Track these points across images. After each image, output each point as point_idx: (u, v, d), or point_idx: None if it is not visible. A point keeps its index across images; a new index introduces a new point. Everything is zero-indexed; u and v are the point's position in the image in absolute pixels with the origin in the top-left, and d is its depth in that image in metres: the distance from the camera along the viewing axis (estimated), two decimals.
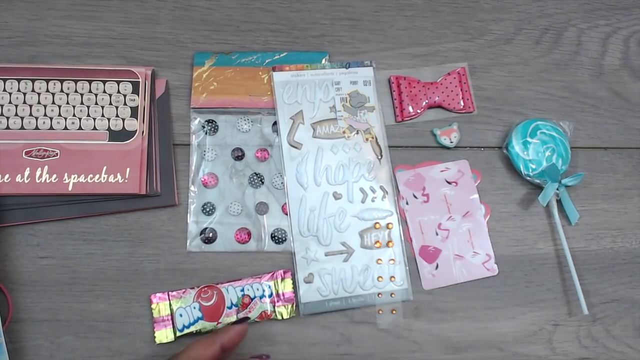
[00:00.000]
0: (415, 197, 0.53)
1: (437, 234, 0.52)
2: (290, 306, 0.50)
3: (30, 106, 0.52)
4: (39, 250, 0.50)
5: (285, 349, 0.49)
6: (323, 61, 0.55)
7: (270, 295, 0.50)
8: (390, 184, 0.53)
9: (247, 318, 0.47)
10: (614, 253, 0.53)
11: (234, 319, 0.48)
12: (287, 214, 0.52)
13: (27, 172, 0.50)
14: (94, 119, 0.52)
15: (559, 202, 0.53)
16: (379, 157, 0.53)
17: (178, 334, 0.48)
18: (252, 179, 0.53)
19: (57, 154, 0.51)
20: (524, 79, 0.57)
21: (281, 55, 0.55)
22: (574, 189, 0.54)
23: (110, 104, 0.52)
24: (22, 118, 0.52)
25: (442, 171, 0.54)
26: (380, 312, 0.50)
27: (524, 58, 0.58)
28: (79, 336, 0.49)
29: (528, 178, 0.53)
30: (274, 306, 0.49)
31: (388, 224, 0.52)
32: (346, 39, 0.57)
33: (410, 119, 0.55)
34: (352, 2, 0.58)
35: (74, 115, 0.52)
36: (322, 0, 0.58)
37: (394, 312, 0.50)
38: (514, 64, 0.57)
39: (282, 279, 0.50)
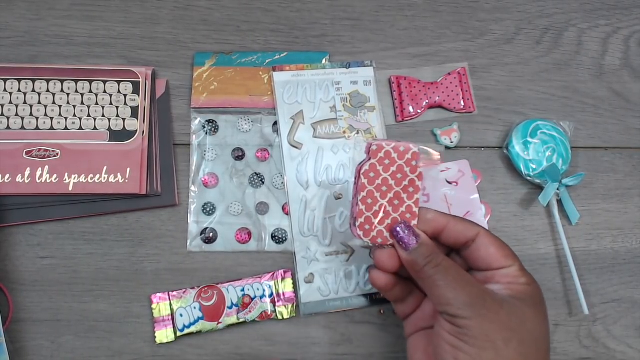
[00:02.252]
0: None
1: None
2: (290, 306, 0.50)
3: (31, 106, 0.52)
4: (40, 250, 0.50)
5: (286, 349, 0.49)
6: (323, 61, 0.55)
7: (271, 295, 0.50)
8: None
9: None
10: (615, 253, 0.53)
11: (234, 319, 0.49)
12: (287, 214, 0.52)
13: (27, 172, 0.50)
14: (95, 119, 0.52)
15: (559, 202, 0.53)
16: None
17: (178, 333, 0.48)
18: (252, 179, 0.53)
19: (57, 154, 0.51)
20: (525, 79, 0.57)
21: (281, 55, 0.55)
22: (574, 189, 0.54)
23: (111, 104, 0.53)
24: (22, 118, 0.52)
25: (442, 171, 0.54)
26: (382, 312, 0.50)
27: (525, 58, 0.58)
28: (79, 336, 0.49)
29: (528, 178, 0.53)
30: (274, 306, 0.49)
31: None
32: (346, 39, 0.57)
33: (411, 119, 0.55)
34: (353, 2, 0.58)
35: (74, 115, 0.52)
36: (322, 0, 0.58)
37: (395, 312, 0.50)
38: (514, 64, 0.57)
39: (283, 279, 0.50)
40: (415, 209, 0.40)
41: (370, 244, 0.41)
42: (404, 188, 0.40)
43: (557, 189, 0.52)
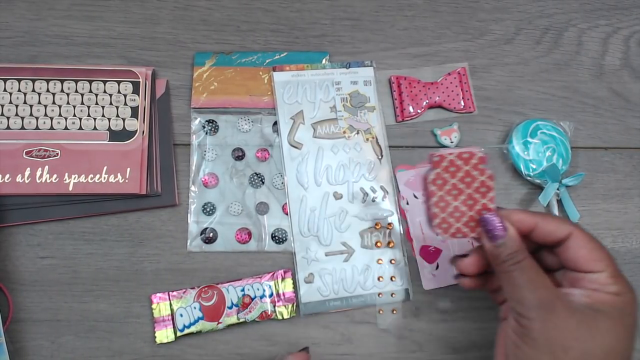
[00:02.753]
0: (415, 197, 0.53)
1: (437, 234, 0.52)
2: (290, 306, 0.50)
3: (31, 106, 0.52)
4: (40, 250, 0.50)
5: (286, 349, 0.49)
6: (323, 61, 0.55)
7: (271, 295, 0.50)
8: (390, 184, 0.53)
9: (307, 348, 0.47)
10: (615, 253, 0.53)
11: (234, 319, 0.49)
12: (287, 214, 0.52)
13: (27, 172, 0.50)
14: (95, 119, 0.52)
15: (559, 202, 0.53)
16: (380, 157, 0.53)
17: (178, 333, 0.48)
18: (252, 179, 0.53)
19: (57, 154, 0.51)
20: (525, 79, 0.57)
21: (281, 55, 0.55)
22: (574, 188, 0.54)
23: (111, 104, 0.53)
24: (22, 118, 0.52)
25: None
26: (381, 312, 0.50)
27: (525, 58, 0.58)
28: (79, 336, 0.49)
29: (528, 178, 0.53)
30: (274, 306, 0.49)
31: (388, 224, 0.52)
32: (346, 39, 0.57)
33: (411, 119, 0.55)
34: (353, 2, 0.58)
35: (74, 115, 0.52)
36: (322, 0, 0.58)
37: (394, 312, 0.50)
38: (514, 64, 0.57)
39: (283, 279, 0.50)
40: (492, 205, 0.40)
41: (450, 239, 0.42)
42: (476, 189, 0.41)
43: (557, 189, 0.52)
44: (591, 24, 0.59)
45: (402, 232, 0.52)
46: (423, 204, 0.42)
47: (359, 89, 0.55)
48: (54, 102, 0.52)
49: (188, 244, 0.51)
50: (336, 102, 0.54)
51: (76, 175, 0.51)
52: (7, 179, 0.50)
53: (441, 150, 0.41)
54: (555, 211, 0.52)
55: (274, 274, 0.50)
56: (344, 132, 0.54)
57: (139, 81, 0.53)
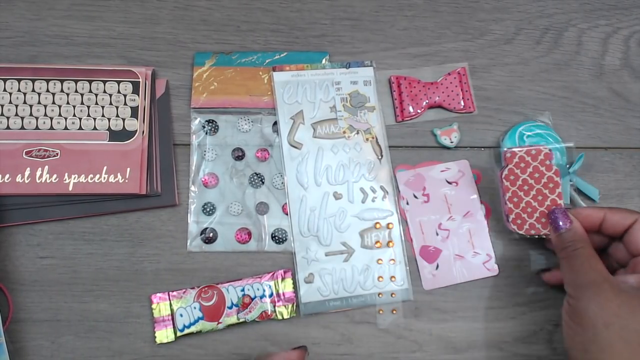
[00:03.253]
0: (415, 197, 0.53)
1: (437, 234, 0.52)
2: (290, 306, 0.50)
3: (31, 106, 0.52)
4: (39, 250, 0.50)
5: (286, 349, 0.49)
6: (323, 61, 0.55)
7: (271, 295, 0.50)
8: (390, 184, 0.53)
9: (305, 347, 0.48)
10: None
11: (234, 319, 0.49)
12: (287, 214, 0.52)
13: (27, 172, 0.50)
14: (94, 119, 0.52)
15: (577, 190, 0.53)
16: (379, 157, 0.53)
17: (178, 333, 0.48)
18: (252, 179, 0.53)
19: (57, 154, 0.51)
20: (525, 79, 0.57)
21: (281, 55, 0.55)
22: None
23: (111, 104, 0.53)
24: (22, 118, 0.52)
25: (442, 171, 0.54)
26: (381, 312, 0.50)
27: (525, 58, 0.57)
28: (79, 336, 0.49)
29: None
30: (274, 306, 0.49)
31: (388, 224, 0.52)
32: (346, 39, 0.57)
33: (411, 119, 0.55)
34: (353, 2, 0.58)
35: (74, 115, 0.52)
36: (322, 0, 0.58)
37: (394, 312, 0.50)
38: (514, 64, 0.57)
39: (283, 279, 0.50)
40: (560, 201, 0.46)
41: (526, 236, 0.47)
42: (544, 185, 0.47)
43: (570, 181, 0.52)
44: (591, 24, 0.59)
45: (402, 232, 0.52)
46: (501, 199, 0.49)
47: (358, 89, 0.55)
48: (53, 102, 0.52)
49: (188, 244, 0.51)
50: (336, 102, 0.54)
51: (76, 175, 0.51)
52: (7, 179, 0.50)
53: (513, 147, 0.47)
54: (580, 202, 0.52)
55: (274, 274, 0.50)
56: (344, 132, 0.54)
57: (139, 81, 0.53)
